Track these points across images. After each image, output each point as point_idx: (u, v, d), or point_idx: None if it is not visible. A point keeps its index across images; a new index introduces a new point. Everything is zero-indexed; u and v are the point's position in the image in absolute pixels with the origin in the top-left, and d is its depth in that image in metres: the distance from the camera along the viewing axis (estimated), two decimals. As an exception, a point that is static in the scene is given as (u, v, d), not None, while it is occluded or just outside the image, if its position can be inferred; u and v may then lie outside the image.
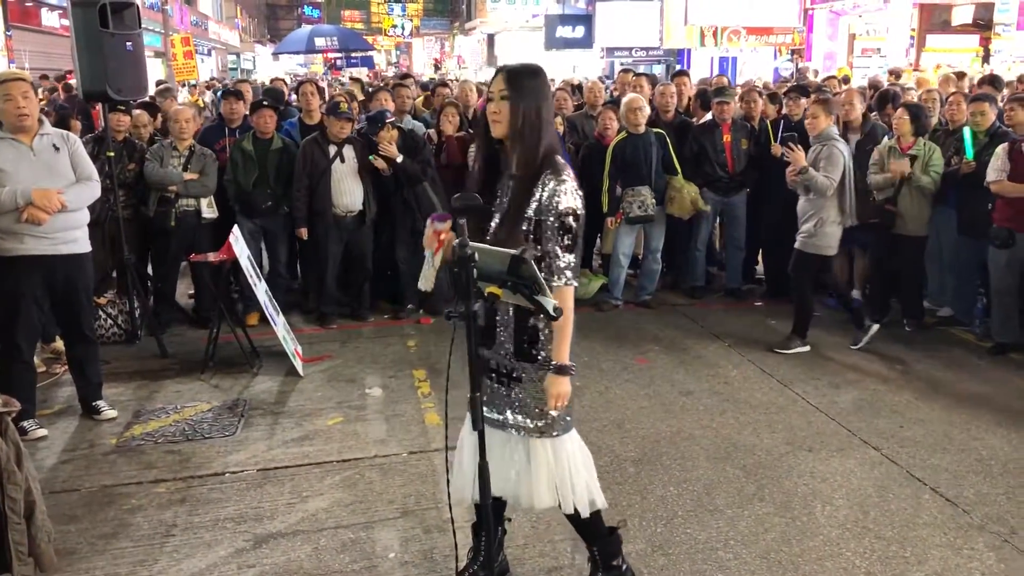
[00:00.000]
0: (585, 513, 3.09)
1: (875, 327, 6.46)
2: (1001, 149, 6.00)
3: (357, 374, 5.96)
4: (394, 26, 45.21)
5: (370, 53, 25.84)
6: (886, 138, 6.81)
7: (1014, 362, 6.16)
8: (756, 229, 7.76)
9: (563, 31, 29.48)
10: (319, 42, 20.67)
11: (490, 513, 2.63)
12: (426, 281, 2.95)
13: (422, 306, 7.22)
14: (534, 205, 2.84)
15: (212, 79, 25.75)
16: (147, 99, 9.86)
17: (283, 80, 10.91)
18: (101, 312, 6.53)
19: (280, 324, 6.09)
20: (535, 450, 3.03)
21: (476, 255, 2.12)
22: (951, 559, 3.69)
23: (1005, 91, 8.71)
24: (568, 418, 3.07)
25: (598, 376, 5.89)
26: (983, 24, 16.68)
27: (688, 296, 7.79)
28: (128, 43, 6.15)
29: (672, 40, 21.40)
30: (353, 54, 23.15)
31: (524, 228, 2.84)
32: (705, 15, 19.71)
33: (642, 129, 7.18)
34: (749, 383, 5.75)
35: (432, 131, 7.56)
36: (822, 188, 6.10)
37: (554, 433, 3.02)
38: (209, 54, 34.18)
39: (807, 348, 6.39)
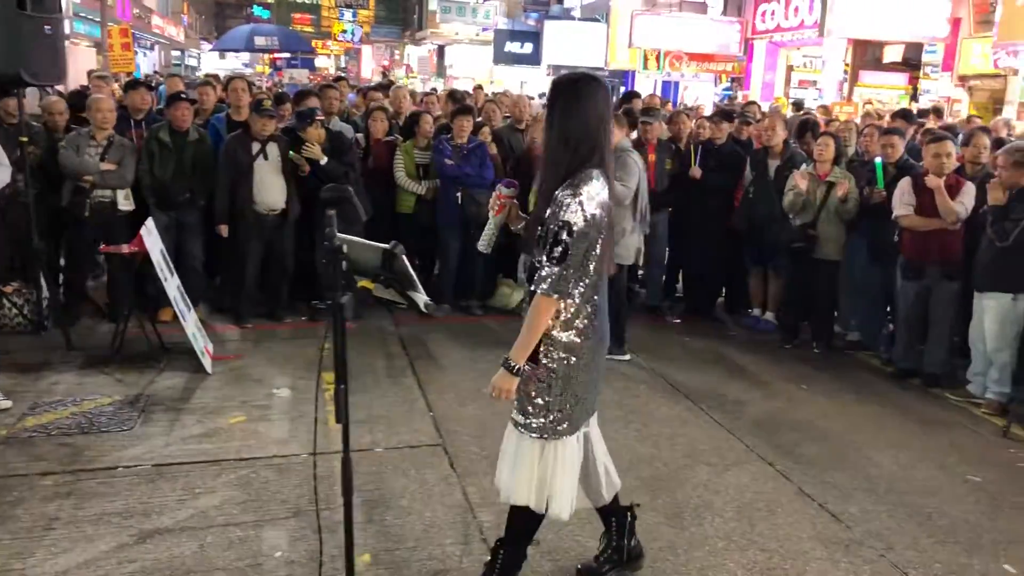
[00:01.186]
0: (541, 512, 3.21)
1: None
2: (905, 183, 6.19)
3: (266, 374, 5.89)
4: (344, 31, 44.94)
5: (312, 55, 25.68)
6: (804, 164, 6.99)
7: (913, 387, 6.35)
8: (677, 248, 7.90)
9: (512, 46, 29.72)
10: (259, 41, 20.46)
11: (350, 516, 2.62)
12: (486, 244, 3.15)
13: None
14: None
15: (155, 73, 25.30)
16: (81, 87, 9.68)
17: (216, 76, 10.75)
18: (5, 301, 6.36)
19: (191, 321, 6.00)
20: (525, 447, 3.17)
21: (345, 247, 2.13)
22: (829, 572, 3.79)
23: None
24: (562, 426, 3.14)
25: (510, 385, 5.91)
26: (912, 64, 17.25)
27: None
28: (47, 27, 6.00)
29: (617, 62, 21.69)
30: (294, 55, 22.94)
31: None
32: (649, 39, 20.02)
33: None
34: (657, 397, 5.83)
35: (360, 135, 7.54)
36: (620, 196, 6.01)
37: (544, 436, 3.14)
38: (152, 48, 33.57)
39: (628, 357, 6.50)
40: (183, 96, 7.05)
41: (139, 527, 3.85)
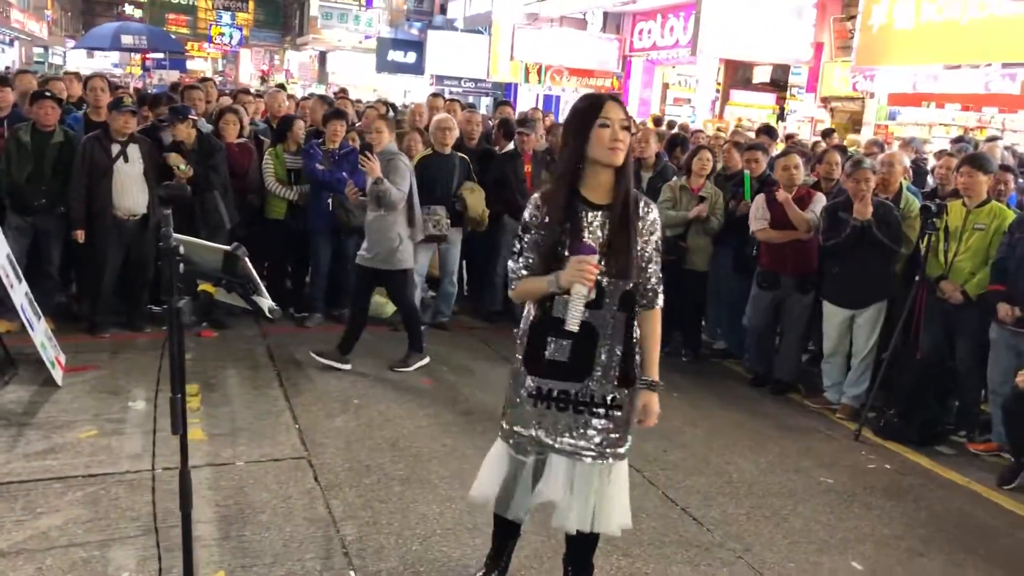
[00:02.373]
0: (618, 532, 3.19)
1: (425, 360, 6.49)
2: (760, 199, 6.44)
3: (123, 386, 5.60)
4: (222, 34, 43.71)
5: (184, 57, 24.80)
6: (675, 177, 7.17)
7: (771, 393, 6.58)
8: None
9: (395, 55, 29.53)
10: (126, 40, 19.60)
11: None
12: (575, 322, 2.80)
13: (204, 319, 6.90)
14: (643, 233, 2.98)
15: (7, 69, 23.89)
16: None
17: (76, 74, 10.22)
18: None
19: (40, 330, 5.65)
20: (618, 472, 3.15)
21: (183, 248, 2.02)
22: (689, 574, 3.86)
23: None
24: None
25: (380, 394, 5.82)
26: (780, 84, 18.02)
27: (487, 321, 7.86)
28: None
29: (498, 74, 21.84)
30: (165, 56, 22.12)
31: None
32: (530, 53, 20.24)
33: (448, 150, 7.22)
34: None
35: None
36: (395, 200, 6.01)
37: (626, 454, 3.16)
38: (12, 44, 31.78)
39: (427, 359, 6.42)
40: (47, 94, 6.64)
41: (-30, 551, 3.58)
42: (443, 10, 29.50)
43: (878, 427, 5.85)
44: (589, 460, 3.02)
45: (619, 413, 3.06)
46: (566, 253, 2.84)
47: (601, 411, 3.01)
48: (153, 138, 6.75)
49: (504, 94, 24.11)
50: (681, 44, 17.73)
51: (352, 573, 3.63)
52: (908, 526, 4.56)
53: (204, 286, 2.13)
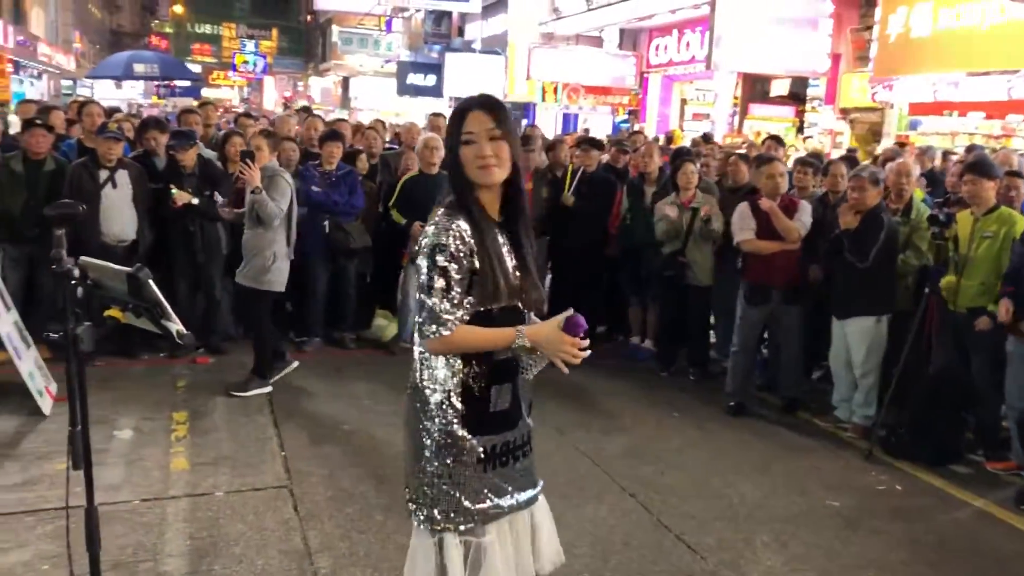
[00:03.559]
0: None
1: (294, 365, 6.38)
2: (743, 207, 6.19)
3: (111, 415, 5.50)
4: (245, 62, 44.19)
5: (199, 84, 25.03)
6: (672, 193, 7.01)
7: (780, 412, 6.34)
8: (556, 275, 7.84)
9: (414, 78, 29.58)
10: (138, 68, 19.85)
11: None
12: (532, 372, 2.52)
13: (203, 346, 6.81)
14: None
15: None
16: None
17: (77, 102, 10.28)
18: None
19: (28, 358, 5.59)
20: (545, 507, 2.76)
21: (83, 271, 1.90)
22: (676, 607, 3.67)
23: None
24: None
25: (373, 420, 5.67)
26: (799, 97, 17.78)
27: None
28: None
29: (515, 94, 21.77)
30: (179, 83, 22.33)
31: None
32: (546, 72, 20.16)
33: (435, 170, 7.08)
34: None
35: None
36: (271, 214, 5.84)
37: None
38: (40, 77, 32.30)
39: (269, 388, 6.11)
40: (38, 122, 6.63)
41: (-72, 589, 3.48)
42: (461, 32, 29.57)
43: (889, 445, 5.60)
44: (539, 499, 2.71)
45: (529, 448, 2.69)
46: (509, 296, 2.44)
47: (529, 447, 2.66)
48: (146, 164, 6.69)
49: (523, 114, 24.09)
50: (698, 59, 17.55)
51: (321, 608, 3.48)
52: (916, 551, 4.32)
53: (111, 311, 2.00)
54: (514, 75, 21.92)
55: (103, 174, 6.29)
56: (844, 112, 15.69)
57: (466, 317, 2.36)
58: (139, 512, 4.23)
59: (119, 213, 6.32)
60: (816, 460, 5.50)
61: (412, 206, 6.74)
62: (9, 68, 30.39)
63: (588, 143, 8.07)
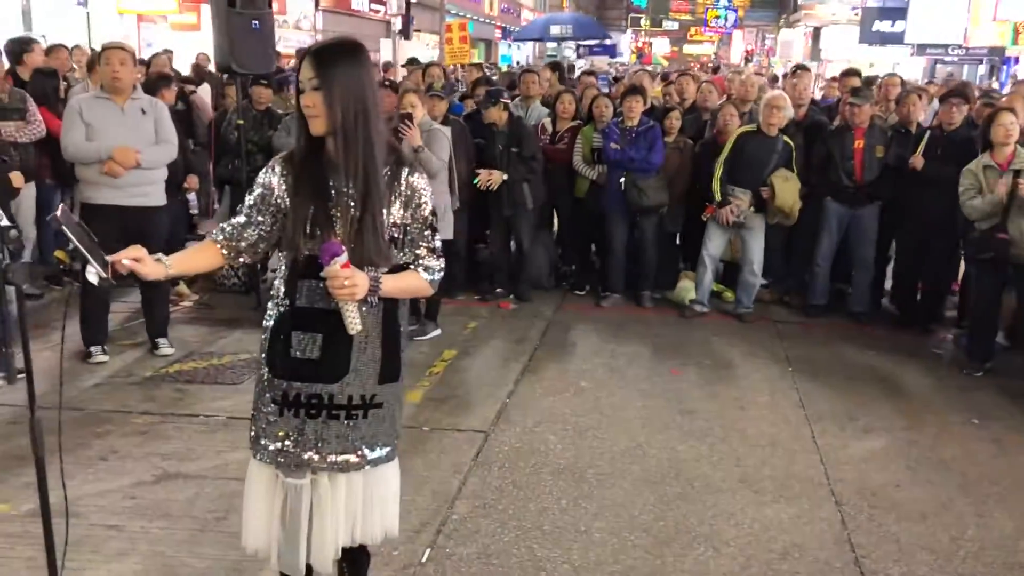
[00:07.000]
0: (378, 541, 2.72)
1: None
2: None
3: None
4: (717, 17, 44.25)
5: (609, 42, 25.48)
6: (980, 156, 5.72)
7: None
8: (888, 249, 6.89)
9: (880, 25, 27.22)
10: (554, 30, 20.94)
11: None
12: (355, 324, 2.39)
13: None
14: (396, 210, 2.48)
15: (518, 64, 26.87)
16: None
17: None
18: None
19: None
20: (383, 476, 2.65)
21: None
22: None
23: None
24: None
25: (616, 380, 5.61)
26: None
27: (804, 315, 7.05)
28: (255, 21, 6.79)
29: (977, 38, 18.83)
30: (593, 43, 23.06)
31: (390, 237, 2.48)
32: (1019, 9, 17.16)
33: (774, 131, 6.61)
34: (767, 414, 5.15)
35: (547, 120, 7.55)
36: (435, 170, 5.95)
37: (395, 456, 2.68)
38: (526, 42, 35.87)
39: (438, 331, 6.32)
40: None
41: (167, 469, 4.26)
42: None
43: None
44: (353, 470, 2.55)
45: (381, 410, 2.56)
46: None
47: (359, 412, 2.52)
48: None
49: (1002, 61, 20.88)
50: None
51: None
52: None
53: (58, 252, 2.33)
54: (979, 16, 19.04)
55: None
56: None
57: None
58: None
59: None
60: None
61: (739, 165, 6.64)
62: (497, 34, 34.36)
63: (957, 95, 6.84)
